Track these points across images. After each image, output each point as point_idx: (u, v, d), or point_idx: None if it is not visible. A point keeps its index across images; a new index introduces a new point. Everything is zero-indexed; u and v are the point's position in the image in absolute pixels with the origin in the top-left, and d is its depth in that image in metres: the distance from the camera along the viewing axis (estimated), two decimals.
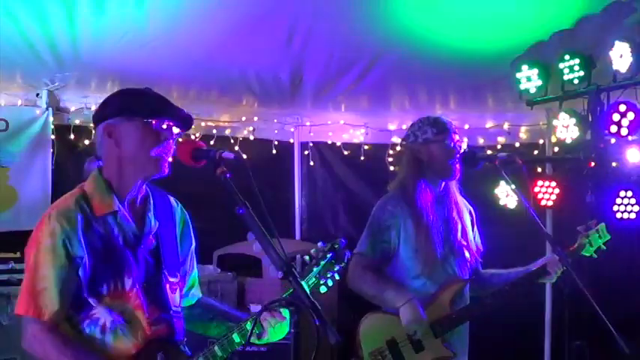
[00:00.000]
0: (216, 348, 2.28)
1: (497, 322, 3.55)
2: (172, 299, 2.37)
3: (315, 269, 2.32)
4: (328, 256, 2.32)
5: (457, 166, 3.32)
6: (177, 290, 2.42)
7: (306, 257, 2.36)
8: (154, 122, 2.26)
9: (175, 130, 2.31)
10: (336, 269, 2.33)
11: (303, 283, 2.28)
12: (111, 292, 2.24)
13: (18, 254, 4.71)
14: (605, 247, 3.26)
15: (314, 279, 2.31)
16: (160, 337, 2.31)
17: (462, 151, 3.34)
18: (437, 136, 3.34)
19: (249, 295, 5.18)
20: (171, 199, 2.50)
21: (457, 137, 3.36)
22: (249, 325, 2.28)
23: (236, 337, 2.29)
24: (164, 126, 2.27)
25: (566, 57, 4.20)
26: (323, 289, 2.34)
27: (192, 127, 2.46)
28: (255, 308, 4.81)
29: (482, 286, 3.45)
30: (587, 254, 3.26)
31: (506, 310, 3.35)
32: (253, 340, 2.30)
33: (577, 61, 4.17)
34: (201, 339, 2.50)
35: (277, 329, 2.28)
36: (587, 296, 2.79)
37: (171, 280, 2.38)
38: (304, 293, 1.93)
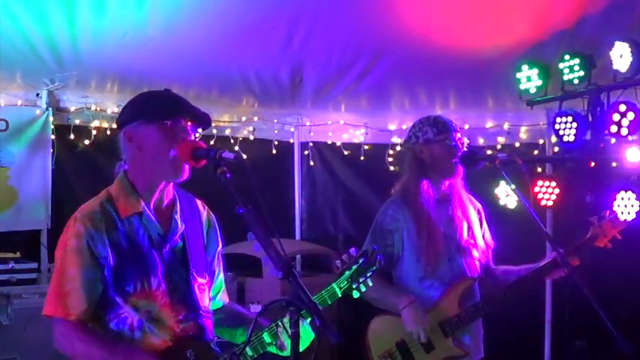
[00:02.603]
0: (247, 348, 2.29)
1: (497, 322, 3.54)
2: (201, 299, 2.40)
3: (346, 273, 2.33)
4: (360, 261, 2.33)
5: (459, 164, 3.32)
6: (206, 291, 2.45)
7: (337, 262, 2.36)
8: (169, 123, 2.28)
9: (193, 128, 2.33)
10: (368, 274, 2.34)
11: (334, 285, 2.34)
12: (137, 292, 2.28)
13: (18, 254, 4.71)
14: (620, 237, 3.26)
15: (345, 282, 2.33)
16: (189, 336, 2.33)
17: (463, 150, 3.35)
18: (438, 136, 3.35)
19: (249, 295, 5.18)
20: (199, 202, 2.54)
21: (459, 135, 3.36)
22: (266, 335, 2.31)
23: (267, 337, 2.31)
24: (181, 126, 2.29)
25: (566, 57, 4.19)
26: (356, 294, 2.35)
27: None
28: (255, 308, 4.82)
29: (494, 283, 3.46)
30: (602, 245, 3.26)
31: (507, 310, 3.35)
32: (273, 349, 2.32)
33: (577, 61, 4.16)
34: None
35: (303, 334, 2.22)
36: (587, 296, 2.79)
37: (200, 280, 2.41)
38: (304, 293, 1.93)
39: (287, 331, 2.25)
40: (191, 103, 2.37)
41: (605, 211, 3.34)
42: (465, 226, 3.40)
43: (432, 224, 3.33)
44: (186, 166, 2.29)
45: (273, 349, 2.33)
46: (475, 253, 3.41)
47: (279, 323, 2.29)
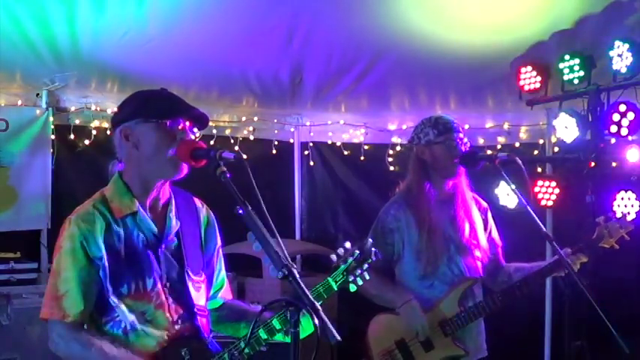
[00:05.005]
0: (242, 344, 2.28)
1: (497, 322, 3.55)
2: (196, 298, 2.40)
3: (342, 266, 2.31)
4: (356, 254, 2.32)
5: (460, 165, 3.33)
6: (202, 289, 2.44)
7: (333, 256, 2.34)
8: (168, 123, 2.28)
9: (190, 128, 2.33)
10: (364, 267, 2.32)
11: (329, 279, 2.32)
12: (132, 292, 2.28)
13: (18, 254, 4.71)
14: (628, 238, 3.26)
15: (341, 276, 2.32)
16: (184, 335, 2.33)
17: (464, 150, 3.36)
18: (438, 137, 3.36)
19: (249, 295, 5.18)
20: (197, 200, 2.53)
21: (461, 135, 3.36)
22: (276, 322, 2.29)
23: (262, 334, 2.30)
24: (179, 126, 2.29)
25: (566, 57, 4.20)
26: (352, 288, 2.33)
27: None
28: (256, 308, 4.82)
29: (506, 281, 3.45)
30: (607, 245, 3.26)
31: (506, 310, 3.35)
32: (279, 337, 2.30)
33: (577, 61, 4.17)
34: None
35: (304, 323, 2.22)
36: (587, 296, 2.79)
37: (195, 278, 2.41)
38: (304, 293, 1.93)
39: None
40: (189, 103, 2.37)
41: (611, 212, 3.32)
42: (467, 226, 3.40)
43: (433, 225, 3.34)
44: (185, 164, 2.29)
45: (279, 337, 2.31)
46: (477, 254, 3.42)
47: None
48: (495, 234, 3.55)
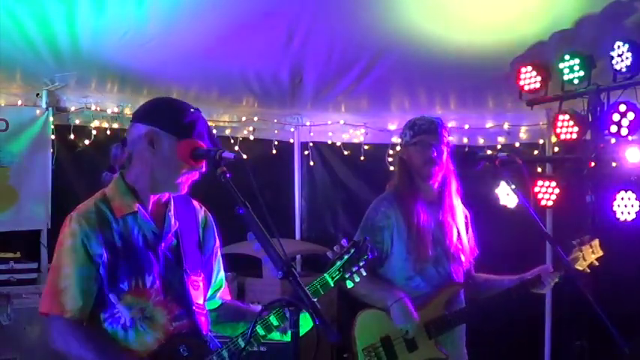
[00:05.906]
0: (239, 341, 2.31)
1: (497, 322, 3.55)
2: (195, 296, 2.42)
3: (338, 263, 2.34)
4: (352, 251, 2.34)
5: (435, 168, 3.33)
6: (201, 287, 2.46)
7: (329, 253, 2.37)
8: (194, 147, 2.27)
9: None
10: (361, 264, 2.35)
11: (326, 275, 2.34)
12: (132, 290, 2.30)
13: (18, 254, 4.71)
14: (597, 264, 3.28)
15: (337, 272, 2.34)
16: (182, 332, 2.35)
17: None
18: (412, 139, 3.39)
19: (249, 295, 5.18)
20: (195, 202, 2.55)
21: (440, 138, 3.34)
22: (273, 319, 2.31)
23: (260, 330, 2.32)
24: (200, 149, 2.28)
25: (566, 57, 4.20)
26: (349, 284, 2.36)
27: None
28: (255, 308, 4.82)
29: (475, 290, 3.47)
30: (580, 268, 3.28)
31: (506, 310, 3.35)
32: (277, 336, 2.32)
33: (577, 61, 4.17)
34: None
35: (302, 319, 2.19)
36: (587, 296, 2.79)
37: (194, 277, 2.43)
38: (304, 293, 1.94)
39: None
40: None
41: (586, 236, 3.34)
42: (455, 231, 3.41)
43: (421, 224, 3.34)
44: (185, 186, 2.33)
45: (276, 336, 2.33)
46: (462, 259, 3.42)
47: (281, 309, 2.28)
48: (472, 242, 3.54)
